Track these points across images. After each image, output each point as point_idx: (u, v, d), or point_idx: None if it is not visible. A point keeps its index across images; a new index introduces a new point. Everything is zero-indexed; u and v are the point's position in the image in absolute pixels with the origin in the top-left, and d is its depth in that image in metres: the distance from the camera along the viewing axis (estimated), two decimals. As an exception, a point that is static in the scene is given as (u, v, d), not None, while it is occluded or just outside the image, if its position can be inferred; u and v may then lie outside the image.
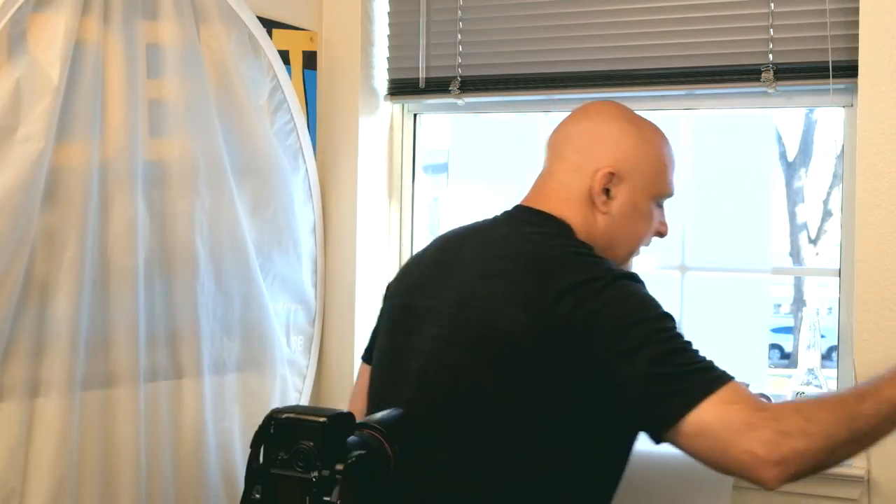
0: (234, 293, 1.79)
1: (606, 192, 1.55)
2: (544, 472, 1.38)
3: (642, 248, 1.68)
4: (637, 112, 2.17)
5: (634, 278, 1.44)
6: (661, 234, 1.69)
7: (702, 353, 1.38)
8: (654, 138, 1.62)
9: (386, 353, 1.57)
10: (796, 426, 1.29)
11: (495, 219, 1.61)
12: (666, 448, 1.94)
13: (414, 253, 2.28)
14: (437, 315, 1.49)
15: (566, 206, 1.56)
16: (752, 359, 2.10)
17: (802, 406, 1.35)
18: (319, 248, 2.17)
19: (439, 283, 1.52)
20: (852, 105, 1.91)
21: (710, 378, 1.33)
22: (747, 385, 1.40)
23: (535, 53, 2.15)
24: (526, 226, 1.55)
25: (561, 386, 1.38)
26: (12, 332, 1.45)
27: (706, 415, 1.30)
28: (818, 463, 1.31)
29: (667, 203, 1.66)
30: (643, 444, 1.91)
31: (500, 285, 1.46)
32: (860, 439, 1.33)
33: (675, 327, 1.38)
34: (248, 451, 1.17)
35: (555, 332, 1.38)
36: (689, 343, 1.37)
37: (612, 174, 1.55)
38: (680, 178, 2.10)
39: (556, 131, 1.65)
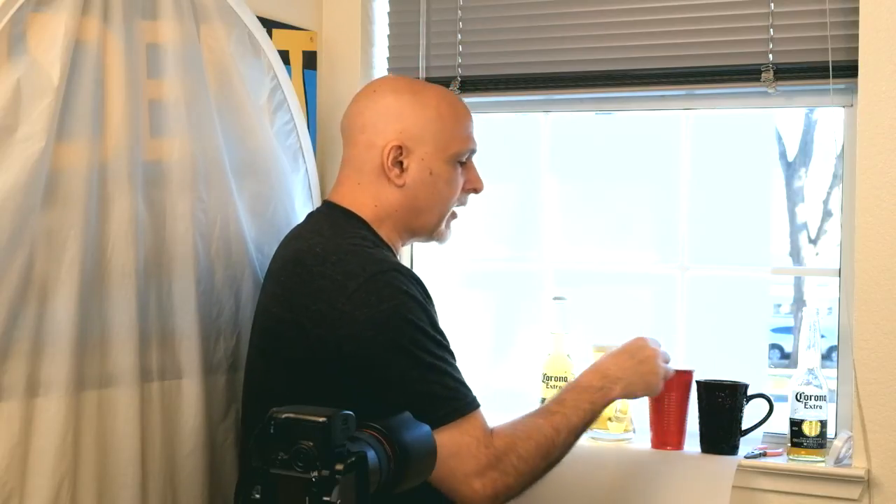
0: (234, 293, 1.79)
1: (400, 164, 1.60)
2: None
3: (459, 209, 1.73)
4: (636, 112, 2.18)
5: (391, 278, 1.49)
6: (476, 191, 1.73)
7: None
8: (433, 101, 1.65)
9: None
10: (511, 465, 1.44)
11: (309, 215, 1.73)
12: (666, 448, 1.94)
13: (412, 253, 2.28)
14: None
15: (358, 192, 1.63)
16: (752, 359, 2.10)
17: (519, 443, 1.47)
18: (319, 248, 2.16)
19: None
20: (852, 105, 1.91)
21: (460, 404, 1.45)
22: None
23: (535, 53, 2.15)
24: (311, 222, 1.65)
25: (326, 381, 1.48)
26: (12, 332, 1.45)
27: (442, 438, 1.37)
28: (517, 494, 1.47)
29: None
30: (643, 444, 1.92)
31: (270, 285, 1.59)
32: (552, 466, 1.51)
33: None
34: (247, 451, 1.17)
35: (311, 330, 1.46)
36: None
37: (398, 147, 1.60)
38: (680, 176, 2.12)
39: (344, 116, 1.70)
